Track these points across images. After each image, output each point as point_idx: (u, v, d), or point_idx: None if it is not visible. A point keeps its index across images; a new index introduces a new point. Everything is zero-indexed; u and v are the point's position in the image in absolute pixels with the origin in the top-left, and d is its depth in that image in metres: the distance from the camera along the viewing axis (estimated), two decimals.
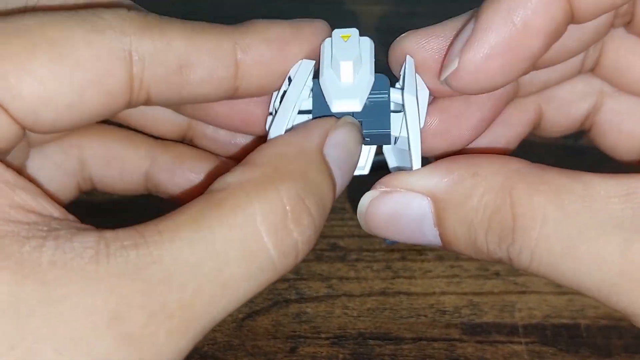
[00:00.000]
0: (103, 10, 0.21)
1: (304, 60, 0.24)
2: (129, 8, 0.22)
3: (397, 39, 0.25)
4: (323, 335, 0.32)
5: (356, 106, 0.24)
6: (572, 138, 0.40)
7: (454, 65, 0.23)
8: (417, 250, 0.35)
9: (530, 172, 0.22)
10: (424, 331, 0.32)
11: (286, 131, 0.24)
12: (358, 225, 0.36)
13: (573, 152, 0.39)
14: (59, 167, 0.27)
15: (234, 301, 0.20)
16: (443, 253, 0.35)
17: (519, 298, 0.33)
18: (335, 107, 0.24)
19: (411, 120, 0.24)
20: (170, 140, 0.28)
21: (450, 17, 0.26)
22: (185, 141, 0.29)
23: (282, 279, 0.34)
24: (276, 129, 0.24)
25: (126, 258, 0.19)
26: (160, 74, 0.22)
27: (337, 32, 0.25)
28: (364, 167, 0.25)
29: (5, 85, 0.20)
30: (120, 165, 0.28)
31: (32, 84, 0.20)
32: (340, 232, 0.36)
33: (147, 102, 0.23)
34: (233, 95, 0.24)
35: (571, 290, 0.33)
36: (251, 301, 0.33)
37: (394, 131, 0.24)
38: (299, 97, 0.24)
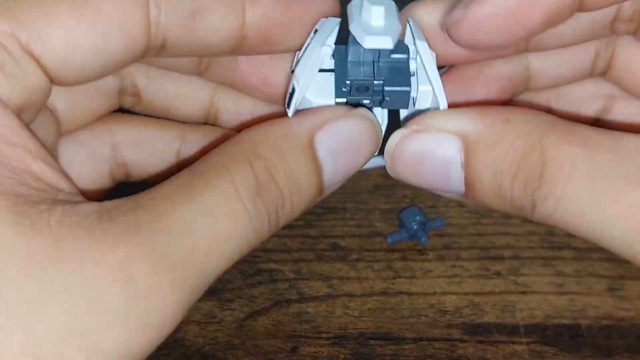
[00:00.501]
0: None
1: (330, 17, 0.25)
2: None
3: (406, 7, 0.25)
4: (324, 335, 0.32)
5: (388, 43, 0.23)
6: None
7: (459, 16, 0.23)
8: (418, 250, 0.35)
9: (562, 123, 0.22)
10: (425, 331, 0.32)
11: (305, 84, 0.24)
12: (359, 226, 0.36)
13: None
14: (92, 153, 0.29)
15: (225, 257, 0.22)
16: (444, 253, 0.35)
17: (520, 298, 0.33)
18: (368, 42, 0.24)
19: (428, 65, 0.24)
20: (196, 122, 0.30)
21: None
22: (208, 122, 0.29)
23: (283, 279, 0.34)
24: (298, 79, 0.24)
25: (127, 219, 0.20)
26: (175, 18, 0.23)
27: None
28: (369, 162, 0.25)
29: (36, 35, 0.21)
30: (152, 147, 0.29)
31: (60, 32, 0.21)
32: (341, 232, 0.36)
33: (162, 50, 0.24)
34: (241, 46, 0.24)
35: (572, 290, 0.33)
36: (252, 301, 0.33)
37: (413, 92, 0.24)
38: (320, 50, 0.24)
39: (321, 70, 0.25)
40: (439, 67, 0.24)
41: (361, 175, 0.38)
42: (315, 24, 0.25)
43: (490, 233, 0.35)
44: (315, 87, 0.25)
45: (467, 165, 0.23)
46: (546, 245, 0.35)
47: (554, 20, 0.23)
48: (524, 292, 0.33)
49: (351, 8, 0.25)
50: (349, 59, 0.25)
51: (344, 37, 0.25)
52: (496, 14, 0.22)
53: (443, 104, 0.24)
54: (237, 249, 0.22)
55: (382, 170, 0.39)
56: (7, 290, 0.19)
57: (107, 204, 0.21)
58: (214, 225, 0.21)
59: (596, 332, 0.31)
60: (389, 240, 0.35)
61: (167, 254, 0.20)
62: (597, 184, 0.21)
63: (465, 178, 0.23)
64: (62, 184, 0.22)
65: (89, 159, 0.29)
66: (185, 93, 0.29)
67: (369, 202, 0.37)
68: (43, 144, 0.22)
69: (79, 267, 0.19)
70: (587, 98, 0.28)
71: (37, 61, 0.21)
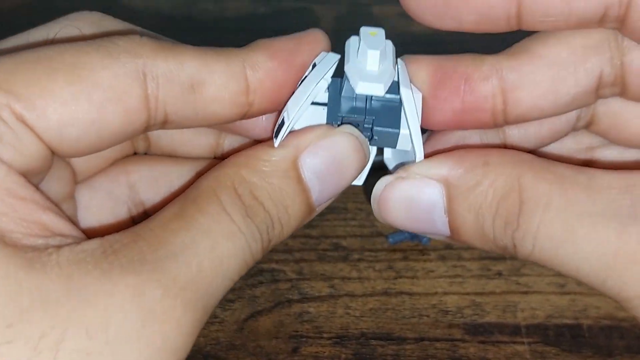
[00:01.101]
0: (117, 37, 0.23)
1: (331, 53, 0.25)
2: (141, 34, 0.23)
3: (403, 56, 0.26)
4: (325, 335, 0.32)
5: (380, 90, 0.24)
6: None
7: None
8: (420, 250, 0.35)
9: (539, 163, 0.23)
10: (427, 331, 0.32)
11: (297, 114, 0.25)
12: (360, 226, 0.36)
13: None
14: (109, 196, 0.29)
15: (228, 277, 0.22)
16: (445, 253, 0.35)
17: (521, 298, 0.33)
18: (360, 88, 0.24)
19: (410, 111, 0.24)
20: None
21: None
22: (216, 158, 0.30)
23: (285, 279, 0.34)
24: (289, 112, 0.24)
25: (130, 251, 0.21)
26: (174, 92, 0.23)
27: (365, 29, 0.25)
28: (359, 177, 0.26)
29: (31, 107, 0.21)
30: (169, 182, 0.29)
31: (55, 104, 0.21)
32: (343, 232, 0.36)
33: (166, 123, 0.24)
34: (248, 112, 0.25)
35: (574, 290, 0.33)
36: (253, 301, 0.33)
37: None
38: (316, 84, 0.24)
39: (314, 104, 0.25)
40: (423, 131, 0.25)
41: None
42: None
43: None
44: (305, 120, 0.25)
45: (449, 209, 0.24)
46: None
47: (487, 26, 0.25)
48: (525, 293, 0.33)
49: (349, 46, 0.25)
50: (343, 93, 0.25)
51: (341, 67, 0.26)
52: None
53: (419, 156, 0.24)
54: (238, 268, 0.23)
55: (383, 170, 0.39)
56: (27, 330, 0.19)
57: (108, 238, 0.21)
58: (214, 246, 0.22)
59: (597, 333, 0.31)
60: (390, 240, 0.35)
61: (175, 277, 0.21)
62: (571, 221, 0.22)
63: (449, 222, 0.24)
64: (69, 230, 0.22)
65: (107, 202, 0.29)
66: (189, 138, 0.29)
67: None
68: (48, 197, 0.22)
69: (93, 299, 0.20)
70: (566, 153, 0.29)
71: (32, 131, 0.22)
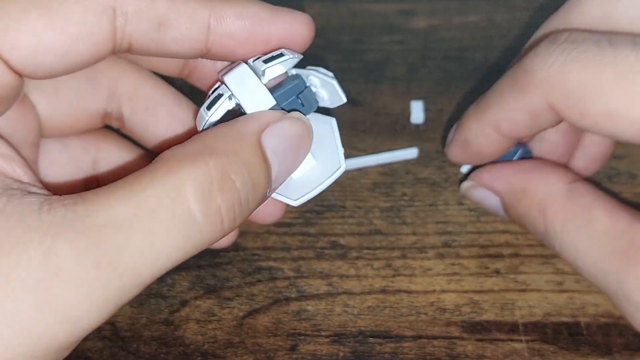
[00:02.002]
0: None
1: (293, 56, 0.26)
2: None
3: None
4: (323, 333, 0.32)
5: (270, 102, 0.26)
6: None
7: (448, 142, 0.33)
8: (418, 249, 0.35)
9: (561, 196, 0.29)
10: (424, 329, 0.32)
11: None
12: (358, 224, 0.36)
13: None
14: (74, 160, 0.30)
15: (162, 259, 0.22)
16: (443, 251, 0.35)
17: (519, 296, 0.33)
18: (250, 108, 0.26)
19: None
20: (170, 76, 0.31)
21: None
22: (182, 76, 0.31)
23: (283, 277, 0.34)
24: (236, 92, 0.26)
25: (64, 212, 0.21)
26: (140, 28, 0.24)
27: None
28: (339, 163, 0.27)
29: (5, 38, 0.23)
30: (126, 173, 0.30)
31: (29, 36, 0.23)
32: (341, 230, 0.36)
33: (129, 51, 0.25)
34: (204, 56, 0.26)
35: (572, 288, 0.33)
36: (251, 299, 0.33)
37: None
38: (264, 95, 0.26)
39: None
40: None
41: (360, 173, 0.38)
42: (278, 47, 0.26)
43: (489, 231, 0.35)
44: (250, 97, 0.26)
45: (507, 213, 0.32)
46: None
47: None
48: (523, 290, 0.33)
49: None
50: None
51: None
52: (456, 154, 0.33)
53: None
54: (179, 250, 0.22)
55: (381, 168, 0.39)
56: None
57: (54, 196, 0.22)
58: (151, 225, 0.22)
59: (595, 330, 0.31)
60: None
61: (94, 250, 0.21)
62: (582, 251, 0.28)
63: (508, 215, 0.32)
64: (21, 175, 0.23)
65: (70, 165, 0.30)
66: (163, 134, 0.30)
67: (369, 200, 0.37)
68: (1, 137, 0.24)
69: (8, 251, 0.21)
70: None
71: (6, 62, 0.23)
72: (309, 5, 0.49)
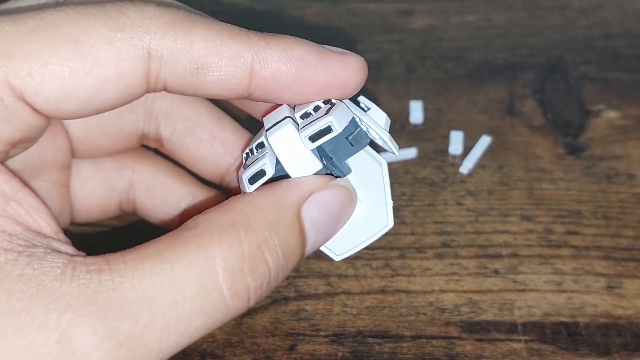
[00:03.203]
0: (129, 7, 0.22)
1: (345, 107, 0.25)
2: (157, 3, 0.22)
3: None
4: (322, 333, 0.32)
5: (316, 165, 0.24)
6: (571, 136, 0.40)
7: None
8: (417, 248, 0.35)
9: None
10: (423, 329, 0.32)
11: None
12: None
13: (572, 150, 0.39)
14: (108, 182, 0.29)
15: (186, 336, 0.21)
16: (442, 251, 0.35)
17: (518, 296, 0.33)
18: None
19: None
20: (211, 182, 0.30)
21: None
22: (223, 185, 0.30)
23: None
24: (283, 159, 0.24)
25: (88, 281, 0.20)
26: (177, 71, 0.22)
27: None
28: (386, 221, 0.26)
29: (29, 80, 0.21)
30: (163, 197, 0.30)
31: (53, 80, 0.21)
32: None
33: (163, 91, 0.24)
34: (246, 99, 0.24)
35: (570, 288, 0.33)
36: None
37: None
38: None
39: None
40: None
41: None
42: (326, 95, 0.24)
43: (488, 231, 0.35)
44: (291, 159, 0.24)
45: None
46: (544, 244, 0.35)
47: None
48: (522, 290, 0.33)
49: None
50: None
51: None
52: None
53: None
54: (202, 328, 0.22)
55: None
56: None
57: (78, 258, 0.21)
58: (178, 303, 0.21)
59: (594, 331, 0.31)
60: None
61: (116, 329, 0.20)
62: None
63: None
64: (43, 226, 0.22)
65: (104, 186, 0.29)
66: (204, 155, 0.29)
67: None
68: (25, 185, 0.22)
69: (24, 327, 0.19)
70: None
71: (30, 105, 0.21)
72: (308, 5, 0.49)
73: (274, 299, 0.33)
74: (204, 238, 0.21)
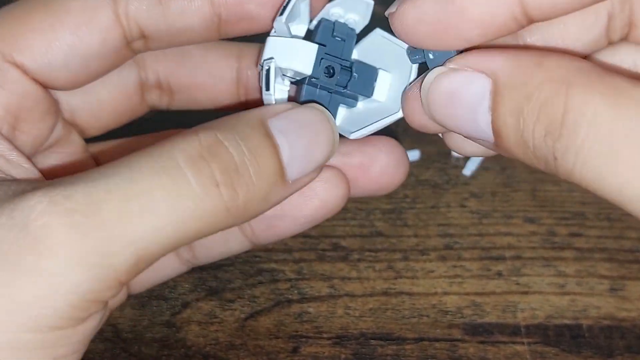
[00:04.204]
0: None
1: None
2: None
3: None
4: (325, 335, 0.32)
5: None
6: None
7: (393, 10, 0.23)
8: (419, 251, 0.35)
9: (595, 71, 0.20)
10: (426, 331, 0.32)
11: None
12: (360, 226, 0.36)
13: None
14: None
15: (161, 231, 0.21)
16: (445, 253, 0.35)
17: (521, 298, 0.33)
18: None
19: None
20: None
21: None
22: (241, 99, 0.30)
23: (284, 279, 0.34)
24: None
25: (59, 184, 0.21)
26: (142, 6, 0.24)
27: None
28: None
29: (15, 45, 0.23)
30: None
31: (37, 38, 0.23)
32: (342, 232, 0.36)
33: (146, 40, 0.25)
34: (221, 28, 0.25)
35: (573, 290, 0.33)
36: (253, 301, 0.33)
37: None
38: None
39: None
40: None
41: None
42: None
43: (491, 233, 0.35)
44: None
45: (494, 106, 0.21)
46: (547, 246, 0.35)
47: (496, 33, 0.22)
48: (525, 293, 0.33)
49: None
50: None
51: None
52: (423, 21, 0.22)
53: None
54: (174, 218, 0.21)
55: None
56: None
57: (46, 182, 0.22)
58: (145, 193, 0.21)
59: (597, 333, 0.31)
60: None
61: (89, 224, 0.20)
62: (617, 137, 0.19)
63: (492, 122, 0.22)
64: (18, 161, 0.23)
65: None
66: (205, 82, 0.29)
67: (370, 202, 0.37)
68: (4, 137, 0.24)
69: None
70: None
71: (22, 69, 0.23)
72: None
73: (276, 302, 0.33)
74: (165, 142, 0.22)
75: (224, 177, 0.22)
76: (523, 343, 0.31)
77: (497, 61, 0.21)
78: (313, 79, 0.25)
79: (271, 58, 0.25)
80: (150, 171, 0.21)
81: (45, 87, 0.24)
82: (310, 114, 0.25)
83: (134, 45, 0.25)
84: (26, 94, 0.24)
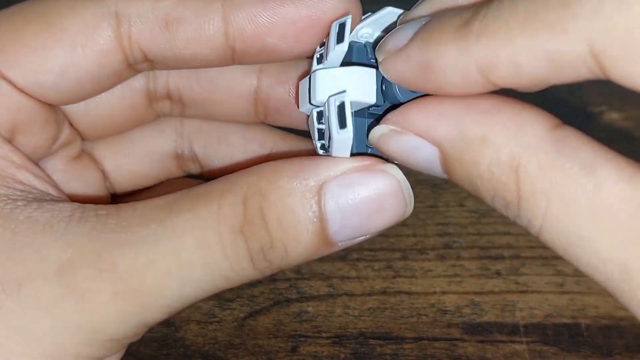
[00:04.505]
0: None
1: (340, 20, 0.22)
2: None
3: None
4: (324, 335, 0.32)
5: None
6: None
7: (380, 56, 0.21)
8: (418, 250, 0.35)
9: (544, 148, 0.19)
10: (425, 331, 0.32)
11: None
12: None
13: None
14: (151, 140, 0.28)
15: (190, 285, 0.21)
16: (444, 252, 0.35)
17: (520, 297, 0.33)
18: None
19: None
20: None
21: None
22: (260, 118, 0.28)
23: (283, 278, 0.34)
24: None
25: (94, 223, 0.21)
26: (147, 29, 0.22)
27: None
28: None
29: (6, 60, 0.22)
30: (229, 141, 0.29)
31: (27, 54, 0.22)
32: None
33: (150, 63, 0.23)
34: (232, 57, 0.23)
35: (572, 289, 0.33)
36: (252, 300, 0.33)
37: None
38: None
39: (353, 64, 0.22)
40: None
41: None
42: (313, 29, 0.22)
43: (490, 232, 0.35)
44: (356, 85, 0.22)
45: (448, 172, 0.21)
46: (546, 245, 0.35)
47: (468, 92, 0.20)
48: (524, 292, 0.33)
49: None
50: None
51: None
52: (404, 77, 0.21)
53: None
54: (207, 280, 0.21)
55: None
56: None
57: (89, 205, 0.21)
58: (180, 250, 0.21)
59: (596, 332, 0.31)
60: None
61: (116, 264, 0.20)
62: (570, 238, 0.19)
63: (450, 181, 0.22)
64: (49, 189, 0.23)
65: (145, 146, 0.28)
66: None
67: None
68: (29, 158, 0.23)
69: (25, 260, 0.20)
70: None
71: (12, 84, 0.22)
72: None
73: (276, 301, 0.33)
74: (213, 194, 0.21)
75: (258, 256, 0.21)
76: (522, 342, 0.31)
77: (439, 131, 0.20)
78: (372, 108, 0.22)
79: (343, 91, 0.21)
80: (194, 242, 0.21)
81: (39, 101, 0.23)
82: (382, 184, 0.22)
83: (137, 67, 0.24)
84: (21, 108, 0.23)
